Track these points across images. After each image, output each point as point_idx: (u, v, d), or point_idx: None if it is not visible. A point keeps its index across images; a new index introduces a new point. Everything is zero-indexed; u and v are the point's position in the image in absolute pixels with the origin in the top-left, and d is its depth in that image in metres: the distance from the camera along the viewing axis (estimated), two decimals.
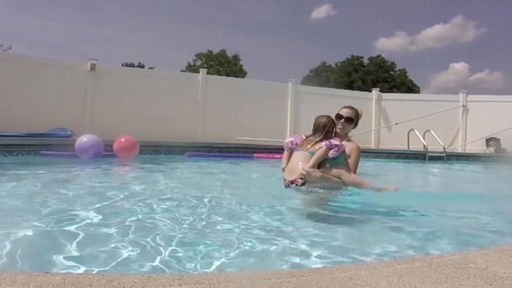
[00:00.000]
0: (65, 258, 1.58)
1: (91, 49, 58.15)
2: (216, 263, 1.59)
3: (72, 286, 1.05)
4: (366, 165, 7.64)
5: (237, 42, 72.71)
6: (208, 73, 11.11)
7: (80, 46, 50.57)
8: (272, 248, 1.81)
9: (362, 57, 45.19)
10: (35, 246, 1.76)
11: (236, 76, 31.16)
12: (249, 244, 1.85)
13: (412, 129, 9.81)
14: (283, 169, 3.24)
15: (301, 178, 3.01)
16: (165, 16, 63.53)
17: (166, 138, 7.84)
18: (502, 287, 1.16)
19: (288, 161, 3.25)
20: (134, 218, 2.29)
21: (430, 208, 3.05)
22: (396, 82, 43.07)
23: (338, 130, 3.27)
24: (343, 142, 3.20)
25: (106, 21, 62.03)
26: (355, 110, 3.28)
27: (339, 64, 45.83)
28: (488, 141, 10.72)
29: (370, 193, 3.07)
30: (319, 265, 1.62)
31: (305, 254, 1.74)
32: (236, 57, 42.71)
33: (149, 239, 1.85)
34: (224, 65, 40.86)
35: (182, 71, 34.78)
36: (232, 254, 1.70)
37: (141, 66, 38.68)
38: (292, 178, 3.05)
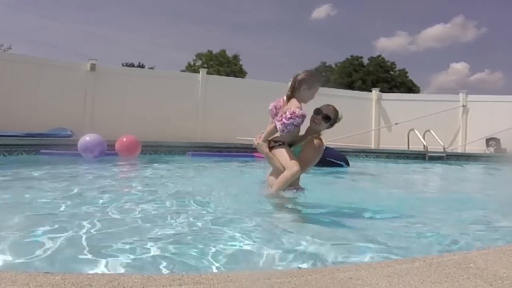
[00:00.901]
0: (66, 258, 1.58)
1: (91, 49, 58.23)
2: (216, 263, 1.59)
3: (72, 286, 1.05)
4: (367, 165, 7.65)
5: (237, 42, 72.74)
6: (208, 73, 11.11)
7: (80, 46, 50.65)
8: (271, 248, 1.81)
9: (362, 57, 45.25)
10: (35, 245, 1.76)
11: (236, 76, 31.15)
12: (252, 244, 1.85)
13: (412, 129, 9.81)
14: None
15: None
16: (165, 16, 63.61)
17: (166, 138, 7.85)
18: (502, 287, 1.16)
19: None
20: (139, 216, 2.29)
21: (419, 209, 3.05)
22: (396, 82, 43.09)
23: (314, 124, 3.14)
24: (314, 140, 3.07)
25: (106, 21, 62.07)
26: (336, 112, 3.18)
27: (339, 64, 45.85)
28: (488, 141, 10.72)
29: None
30: (319, 265, 1.62)
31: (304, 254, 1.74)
32: (236, 57, 42.72)
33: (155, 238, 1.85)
34: (224, 65, 40.87)
35: (182, 71, 34.77)
36: (233, 254, 1.70)
37: (141, 66, 38.70)
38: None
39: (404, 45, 61.93)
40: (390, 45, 65.31)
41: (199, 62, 41.16)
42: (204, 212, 2.54)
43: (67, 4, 59.08)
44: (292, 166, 2.84)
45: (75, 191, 3.15)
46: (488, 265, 1.33)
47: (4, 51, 28.45)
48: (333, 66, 46.52)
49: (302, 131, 3.20)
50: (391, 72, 44.81)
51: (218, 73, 33.38)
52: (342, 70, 44.41)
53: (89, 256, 1.61)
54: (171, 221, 2.24)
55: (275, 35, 66.22)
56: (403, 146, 10.13)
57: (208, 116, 9.91)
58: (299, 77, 2.97)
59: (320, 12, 66.84)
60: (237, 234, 2.00)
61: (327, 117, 3.09)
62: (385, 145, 11.05)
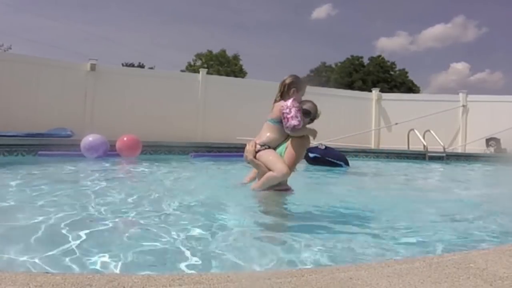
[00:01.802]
0: (68, 257, 1.58)
1: (91, 49, 58.18)
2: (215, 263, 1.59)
3: (72, 286, 1.05)
4: (367, 165, 7.65)
5: (237, 42, 72.73)
6: (208, 73, 11.10)
7: (80, 46, 50.56)
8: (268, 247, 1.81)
9: (362, 57, 45.25)
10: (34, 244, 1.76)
11: (236, 76, 31.15)
12: (257, 244, 1.85)
13: (412, 129, 9.80)
14: None
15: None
16: (165, 16, 63.53)
17: (166, 138, 7.83)
18: (502, 287, 1.16)
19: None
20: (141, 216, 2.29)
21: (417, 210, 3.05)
22: (396, 82, 43.09)
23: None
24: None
25: (106, 21, 62.09)
26: (315, 107, 3.17)
27: (339, 64, 45.85)
28: (488, 141, 10.71)
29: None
30: (318, 265, 1.62)
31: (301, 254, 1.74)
32: (236, 57, 42.71)
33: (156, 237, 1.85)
34: (224, 65, 40.87)
35: (182, 71, 34.78)
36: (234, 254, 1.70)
37: (141, 66, 38.68)
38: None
39: (404, 45, 61.92)
40: (390, 45, 65.38)
41: (199, 62, 41.14)
42: (201, 214, 2.54)
43: (67, 4, 59.11)
44: (280, 167, 2.86)
45: (73, 190, 3.15)
46: (488, 265, 1.33)
47: (4, 51, 28.46)
48: (333, 66, 46.52)
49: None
50: (391, 72, 44.82)
51: (218, 73, 33.38)
52: (342, 70, 44.42)
53: (89, 256, 1.61)
54: (184, 219, 2.24)
55: (275, 35, 66.23)
56: (403, 146, 10.12)
57: (208, 116, 9.90)
58: (287, 81, 3.03)
59: (321, 12, 66.88)
60: (234, 233, 2.00)
61: (307, 112, 3.09)
62: (385, 145, 11.05)
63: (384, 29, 67.20)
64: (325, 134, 10.23)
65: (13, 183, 3.42)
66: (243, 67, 42.37)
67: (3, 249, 1.63)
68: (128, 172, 5.03)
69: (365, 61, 45.12)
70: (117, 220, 2.23)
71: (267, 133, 3.01)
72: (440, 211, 2.99)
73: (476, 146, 10.80)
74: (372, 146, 11.24)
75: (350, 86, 37.30)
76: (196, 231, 2.04)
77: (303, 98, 3.15)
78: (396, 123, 10.97)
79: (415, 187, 5.14)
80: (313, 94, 12.86)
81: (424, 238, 2.12)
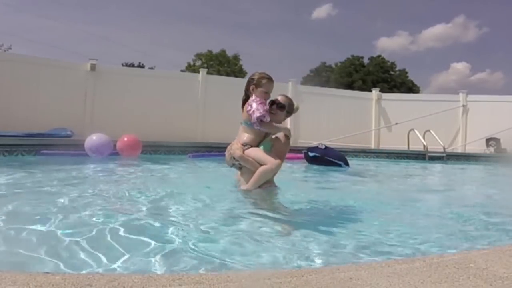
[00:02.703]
0: (68, 257, 1.58)
1: (91, 49, 58.20)
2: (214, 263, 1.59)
3: (72, 286, 1.05)
4: (367, 165, 7.65)
5: (237, 42, 72.75)
6: (208, 73, 11.11)
7: (80, 46, 50.57)
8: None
9: (362, 57, 45.26)
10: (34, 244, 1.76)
11: (236, 76, 31.15)
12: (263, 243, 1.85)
13: (412, 129, 9.81)
14: None
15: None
16: (165, 16, 63.59)
17: (166, 138, 7.84)
18: (502, 287, 1.16)
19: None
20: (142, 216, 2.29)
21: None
22: (396, 82, 43.11)
23: (272, 116, 3.06)
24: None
25: (106, 21, 62.15)
26: (290, 100, 3.18)
27: (339, 64, 45.86)
28: (488, 141, 10.71)
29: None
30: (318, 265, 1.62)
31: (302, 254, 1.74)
32: (236, 57, 42.72)
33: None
34: (224, 65, 40.89)
35: (182, 71, 34.77)
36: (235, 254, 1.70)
37: (141, 66, 38.69)
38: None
39: (405, 45, 61.99)
40: (390, 45, 65.41)
41: (199, 62, 41.16)
42: (195, 212, 2.54)
43: (67, 4, 59.11)
44: (272, 160, 2.88)
45: (81, 192, 3.15)
46: (488, 265, 1.33)
47: (4, 51, 28.45)
48: (333, 66, 46.53)
49: None
50: (391, 72, 44.83)
51: (218, 73, 33.40)
52: (342, 70, 44.43)
53: (90, 256, 1.61)
54: (168, 221, 2.24)
55: (275, 35, 66.26)
56: (403, 146, 10.12)
57: (208, 116, 9.89)
58: (252, 76, 3.11)
59: (321, 11, 66.90)
60: (229, 234, 2.00)
61: (282, 106, 3.11)
62: (385, 145, 11.05)
63: (384, 29, 67.33)
64: (325, 134, 10.32)
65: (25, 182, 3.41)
66: (243, 67, 42.39)
67: (4, 249, 1.64)
68: (127, 172, 5.02)
69: (365, 61, 45.14)
70: (115, 219, 2.23)
71: (245, 135, 3.03)
72: (440, 211, 2.99)
73: (476, 146, 10.80)
74: (372, 146, 11.24)
75: (350, 86, 37.31)
76: (194, 232, 2.04)
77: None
78: (396, 123, 10.98)
79: (415, 187, 5.14)
80: (313, 94, 12.89)
81: (424, 238, 2.11)
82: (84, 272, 1.44)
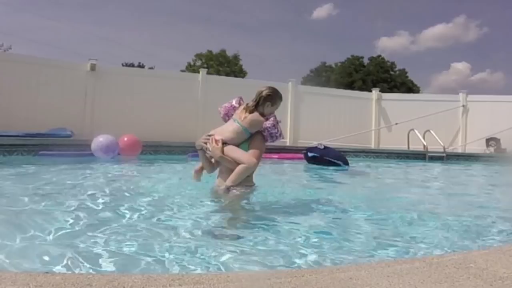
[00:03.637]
0: (68, 257, 1.58)
1: (91, 49, 58.18)
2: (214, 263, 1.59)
3: (72, 286, 1.05)
4: (367, 165, 7.65)
5: (237, 42, 72.76)
6: (208, 73, 11.10)
7: (80, 46, 50.50)
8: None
9: (362, 57, 45.26)
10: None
11: (236, 76, 31.14)
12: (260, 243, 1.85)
13: (412, 129, 9.81)
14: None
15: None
16: (165, 16, 63.61)
17: (166, 138, 7.83)
18: (502, 287, 1.16)
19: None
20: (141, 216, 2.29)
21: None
22: (396, 82, 43.10)
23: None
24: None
25: (106, 21, 62.12)
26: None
27: (339, 64, 45.87)
28: (488, 141, 10.71)
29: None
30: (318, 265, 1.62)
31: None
32: (236, 57, 42.72)
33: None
34: (224, 65, 40.87)
35: (182, 71, 34.76)
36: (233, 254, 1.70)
37: (141, 66, 38.67)
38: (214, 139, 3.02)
39: (405, 45, 61.90)
40: (391, 45, 65.36)
41: (199, 62, 41.14)
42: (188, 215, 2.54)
43: (67, 4, 59.08)
44: (249, 158, 2.94)
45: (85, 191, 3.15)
46: (488, 265, 1.33)
47: (4, 51, 28.45)
48: (333, 66, 46.53)
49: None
50: (391, 72, 44.84)
51: (218, 73, 33.38)
52: (342, 70, 44.43)
53: (90, 256, 1.61)
54: (164, 221, 2.24)
55: (275, 35, 66.20)
56: (403, 146, 10.12)
57: (208, 116, 9.85)
58: (264, 93, 3.12)
59: (321, 11, 66.77)
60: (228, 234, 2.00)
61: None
62: (385, 145, 11.04)
63: (385, 28, 67.24)
64: (325, 134, 10.31)
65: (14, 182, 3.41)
66: (243, 67, 42.39)
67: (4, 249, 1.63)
68: (126, 172, 5.03)
69: (365, 61, 45.15)
70: (114, 219, 2.23)
71: (231, 134, 3.06)
72: (440, 210, 2.99)
73: (476, 146, 10.80)
74: (372, 146, 11.24)
75: (350, 86, 37.31)
76: (194, 232, 2.04)
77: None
78: (396, 123, 10.97)
79: (415, 187, 5.14)
80: (313, 94, 12.88)
81: (424, 238, 2.11)
82: (84, 272, 1.44)
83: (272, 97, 3.14)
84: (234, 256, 1.68)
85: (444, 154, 9.17)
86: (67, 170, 4.52)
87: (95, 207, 2.52)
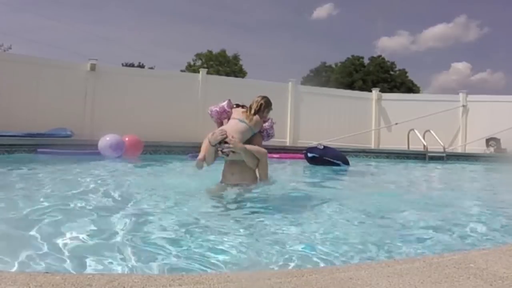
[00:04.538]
0: (68, 256, 1.58)
1: (91, 49, 58.12)
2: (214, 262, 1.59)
3: (72, 286, 1.05)
4: (366, 165, 7.65)
5: (237, 42, 72.75)
6: (208, 73, 11.10)
7: (80, 46, 50.46)
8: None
9: (362, 57, 45.26)
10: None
11: (236, 76, 31.15)
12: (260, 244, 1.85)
13: (412, 129, 9.81)
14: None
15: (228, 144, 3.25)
16: (165, 16, 63.57)
17: (166, 138, 7.84)
18: (502, 287, 1.16)
19: None
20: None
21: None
22: (396, 82, 43.11)
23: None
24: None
25: (106, 21, 62.07)
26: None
27: (340, 64, 45.87)
28: (488, 141, 10.71)
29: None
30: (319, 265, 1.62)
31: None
32: (236, 57, 42.72)
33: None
34: (224, 65, 40.87)
35: (182, 71, 34.76)
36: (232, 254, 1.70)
37: (141, 66, 38.65)
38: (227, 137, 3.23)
39: (405, 45, 61.82)
40: (391, 45, 65.29)
41: (199, 62, 41.15)
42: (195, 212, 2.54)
43: (67, 4, 59.04)
44: (263, 149, 3.40)
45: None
46: (488, 265, 1.33)
47: (4, 51, 28.46)
48: (333, 66, 46.53)
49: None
50: (391, 72, 44.84)
51: (218, 73, 33.37)
52: (343, 70, 44.42)
53: (89, 256, 1.61)
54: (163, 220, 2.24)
55: (275, 35, 66.14)
56: (403, 146, 10.12)
57: (208, 116, 9.86)
58: (263, 101, 3.61)
59: (322, 11, 66.71)
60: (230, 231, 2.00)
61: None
62: (385, 145, 11.04)
63: (385, 28, 67.25)
64: (325, 134, 10.31)
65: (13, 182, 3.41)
66: (243, 67, 42.40)
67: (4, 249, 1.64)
68: (127, 172, 5.03)
69: (366, 61, 45.15)
70: (115, 219, 2.23)
71: (240, 132, 3.37)
72: (440, 210, 2.99)
73: (476, 146, 10.79)
74: (372, 146, 11.24)
75: (350, 86, 37.31)
76: (194, 232, 2.04)
77: None
78: (396, 123, 10.97)
79: (415, 187, 5.14)
80: (313, 94, 12.85)
81: (424, 238, 2.12)
82: (84, 272, 1.44)
83: (269, 104, 3.67)
84: (234, 256, 1.68)
85: (444, 154, 9.17)
86: (73, 170, 4.52)
87: (111, 206, 2.52)
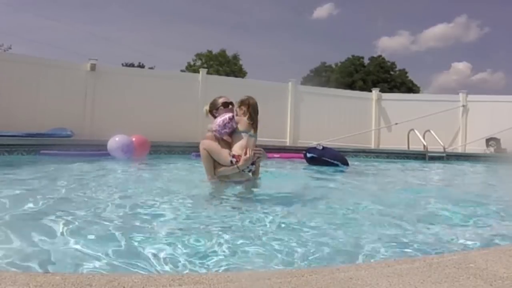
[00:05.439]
0: (68, 256, 1.58)
1: (91, 49, 58.20)
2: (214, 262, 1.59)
3: (72, 286, 1.05)
4: (366, 165, 7.64)
5: (237, 42, 72.80)
6: (208, 73, 11.10)
7: (80, 46, 50.57)
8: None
9: (363, 57, 45.30)
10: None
11: (236, 76, 31.17)
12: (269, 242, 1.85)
13: (412, 129, 9.81)
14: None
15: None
16: (165, 16, 63.65)
17: (166, 138, 7.84)
18: (502, 287, 1.16)
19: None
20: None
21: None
22: (396, 82, 43.13)
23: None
24: None
25: (106, 21, 62.18)
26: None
27: (340, 64, 45.89)
28: (488, 141, 10.71)
29: None
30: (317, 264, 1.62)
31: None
32: (236, 57, 42.74)
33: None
34: (224, 65, 40.89)
35: (182, 71, 34.78)
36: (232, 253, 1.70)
37: (141, 66, 38.68)
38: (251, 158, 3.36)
39: (406, 45, 61.91)
40: (391, 45, 65.41)
41: (199, 62, 41.17)
42: (197, 212, 2.54)
43: (67, 4, 59.17)
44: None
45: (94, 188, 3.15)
46: (488, 265, 1.33)
47: (4, 51, 28.47)
48: (333, 66, 46.57)
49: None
50: (391, 72, 44.87)
51: (218, 73, 33.39)
52: (343, 70, 44.45)
53: (89, 256, 1.61)
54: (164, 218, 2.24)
55: (275, 35, 66.24)
56: (403, 146, 10.12)
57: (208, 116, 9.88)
58: (252, 102, 3.68)
59: (322, 11, 66.87)
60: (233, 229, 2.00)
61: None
62: (385, 145, 11.05)
63: (385, 28, 67.23)
64: (325, 134, 10.32)
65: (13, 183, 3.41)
66: (243, 67, 42.43)
67: (4, 248, 1.63)
68: (131, 172, 5.03)
69: (366, 61, 45.17)
70: (115, 220, 2.23)
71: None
72: (440, 210, 2.99)
73: (476, 146, 10.80)
74: (372, 146, 11.24)
75: (350, 86, 37.36)
76: (194, 232, 2.04)
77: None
78: (396, 123, 10.98)
79: (415, 186, 5.13)
80: (314, 94, 12.84)
81: (423, 238, 2.11)
82: (84, 272, 1.44)
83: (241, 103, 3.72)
84: (234, 256, 1.68)
85: (444, 154, 9.17)
86: (80, 171, 4.52)
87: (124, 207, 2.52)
